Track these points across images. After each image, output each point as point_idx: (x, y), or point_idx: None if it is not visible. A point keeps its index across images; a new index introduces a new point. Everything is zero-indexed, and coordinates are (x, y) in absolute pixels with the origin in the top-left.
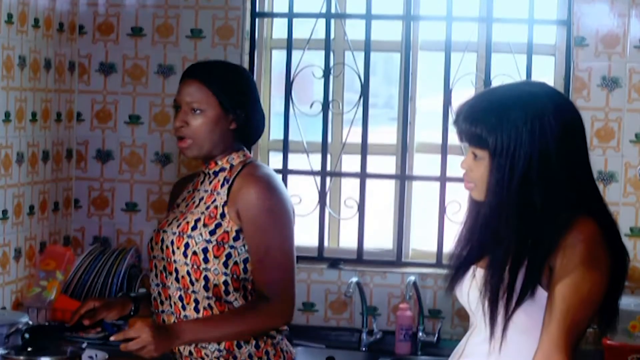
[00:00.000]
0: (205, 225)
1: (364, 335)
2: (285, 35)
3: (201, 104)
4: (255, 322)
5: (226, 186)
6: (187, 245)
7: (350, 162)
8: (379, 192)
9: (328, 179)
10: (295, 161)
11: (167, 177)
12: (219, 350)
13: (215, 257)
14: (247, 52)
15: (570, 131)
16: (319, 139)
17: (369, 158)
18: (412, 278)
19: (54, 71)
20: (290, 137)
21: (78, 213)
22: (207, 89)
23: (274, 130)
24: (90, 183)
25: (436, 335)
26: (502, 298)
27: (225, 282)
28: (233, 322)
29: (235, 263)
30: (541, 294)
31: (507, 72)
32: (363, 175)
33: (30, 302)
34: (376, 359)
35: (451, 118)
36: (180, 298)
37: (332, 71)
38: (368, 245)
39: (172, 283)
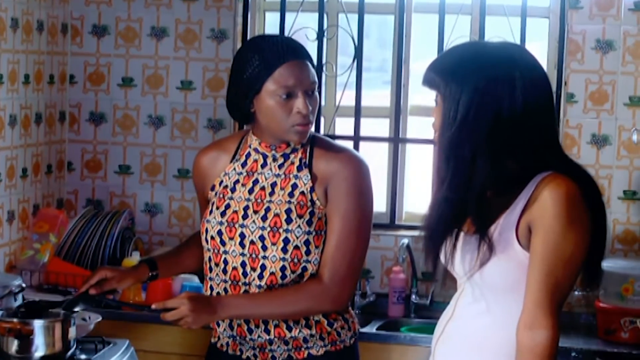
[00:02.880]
0: (300, 216)
1: (357, 298)
2: None
3: (316, 85)
4: (303, 304)
5: (306, 169)
6: (286, 241)
7: (344, 125)
8: (372, 154)
9: None
10: None
11: (160, 139)
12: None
13: (317, 247)
14: (241, 14)
15: (527, 104)
16: None
17: (363, 121)
18: (406, 241)
19: (47, 33)
20: None
21: (71, 176)
22: (314, 68)
23: None
24: (84, 146)
25: (429, 297)
26: (452, 248)
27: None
28: (279, 302)
29: None
30: (522, 254)
31: (501, 35)
32: (356, 138)
33: (23, 265)
34: (369, 321)
35: None
36: None
37: (325, 33)
38: None
39: (253, 280)
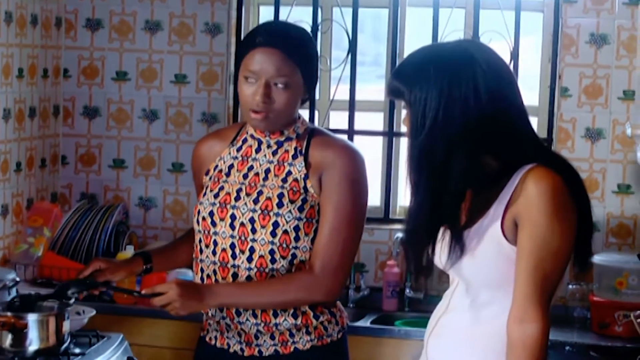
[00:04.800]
0: (292, 201)
1: (351, 292)
2: None
3: (287, 79)
4: (293, 294)
5: (300, 157)
6: (276, 224)
7: (338, 119)
8: (366, 148)
9: None
10: None
11: (155, 133)
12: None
13: (306, 234)
14: (235, 7)
15: (494, 98)
16: None
17: (357, 115)
18: (400, 235)
19: (41, 27)
20: None
21: (65, 169)
22: (291, 61)
23: None
24: (77, 139)
25: (423, 291)
26: (432, 250)
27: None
28: (269, 291)
29: None
30: (509, 248)
31: (495, 29)
32: (351, 132)
33: (17, 259)
34: (363, 315)
35: None
36: (248, 278)
37: (319, 27)
38: None
39: (242, 262)
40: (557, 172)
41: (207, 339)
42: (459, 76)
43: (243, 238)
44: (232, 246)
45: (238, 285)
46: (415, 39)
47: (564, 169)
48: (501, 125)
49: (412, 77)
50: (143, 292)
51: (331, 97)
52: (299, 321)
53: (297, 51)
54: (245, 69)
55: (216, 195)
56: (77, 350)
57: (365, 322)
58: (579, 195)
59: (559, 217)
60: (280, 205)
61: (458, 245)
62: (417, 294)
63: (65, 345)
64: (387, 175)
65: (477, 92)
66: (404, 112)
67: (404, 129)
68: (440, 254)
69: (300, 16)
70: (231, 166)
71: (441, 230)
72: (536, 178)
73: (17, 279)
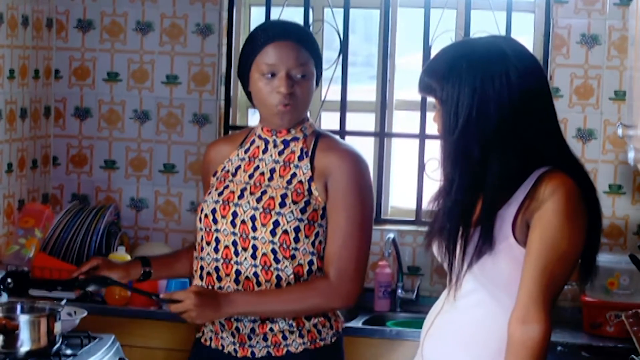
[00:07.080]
0: (294, 202)
1: None
2: None
3: (305, 68)
4: (313, 301)
5: (306, 159)
6: (276, 223)
7: (330, 120)
8: (358, 149)
9: None
10: None
11: (146, 134)
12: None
13: (306, 236)
14: (226, 8)
15: (526, 94)
16: None
17: (348, 115)
18: (391, 235)
19: (32, 28)
20: None
21: (57, 170)
22: (305, 51)
23: None
24: (69, 140)
25: (415, 292)
26: (461, 248)
27: (310, 262)
28: (287, 299)
29: (320, 242)
30: (517, 248)
31: (486, 30)
32: (342, 133)
33: (9, 260)
34: (355, 316)
35: None
36: (255, 274)
37: (311, 28)
38: None
39: (245, 259)
40: (571, 177)
41: (203, 340)
42: (492, 73)
43: (244, 236)
44: (234, 243)
45: (255, 294)
46: (406, 40)
47: (578, 173)
48: (532, 121)
49: (443, 74)
50: (161, 296)
51: (323, 98)
52: (292, 321)
53: (308, 40)
54: (262, 65)
55: (220, 194)
56: (68, 352)
57: (357, 323)
58: (590, 200)
59: (571, 221)
60: (282, 205)
61: (488, 244)
62: (409, 294)
63: (56, 346)
64: (379, 176)
65: (510, 89)
66: (396, 112)
67: (395, 129)
68: (457, 253)
69: (291, 17)
70: (238, 167)
71: None
72: (554, 183)
73: (9, 280)
